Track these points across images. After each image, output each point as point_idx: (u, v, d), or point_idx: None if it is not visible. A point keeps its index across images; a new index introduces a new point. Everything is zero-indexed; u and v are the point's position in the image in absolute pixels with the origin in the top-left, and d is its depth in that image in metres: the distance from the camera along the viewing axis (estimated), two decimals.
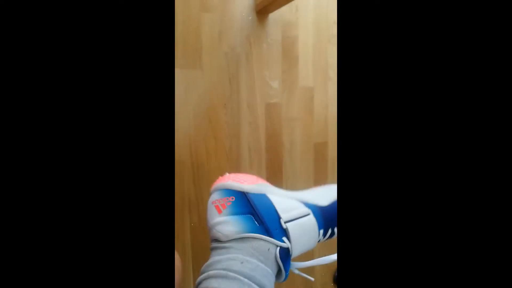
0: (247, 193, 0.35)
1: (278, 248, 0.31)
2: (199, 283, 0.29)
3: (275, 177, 0.93)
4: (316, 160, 1.00)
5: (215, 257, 0.31)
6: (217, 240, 0.33)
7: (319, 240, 0.36)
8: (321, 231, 0.35)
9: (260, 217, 0.33)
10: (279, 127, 0.93)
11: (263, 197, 0.35)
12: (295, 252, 0.33)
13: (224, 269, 0.28)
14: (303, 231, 0.34)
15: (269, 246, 0.31)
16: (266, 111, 0.90)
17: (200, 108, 0.82)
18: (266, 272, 0.30)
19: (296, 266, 0.35)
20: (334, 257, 0.32)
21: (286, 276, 0.33)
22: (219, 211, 0.34)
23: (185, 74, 0.80)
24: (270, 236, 0.31)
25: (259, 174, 0.91)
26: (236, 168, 0.88)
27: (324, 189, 0.40)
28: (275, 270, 0.32)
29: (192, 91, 0.81)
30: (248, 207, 0.34)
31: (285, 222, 0.33)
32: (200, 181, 0.83)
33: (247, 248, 0.31)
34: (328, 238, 0.37)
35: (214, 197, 0.36)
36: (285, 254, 0.32)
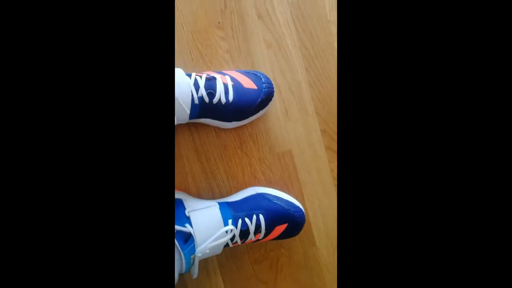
0: None
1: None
2: None
3: None
4: None
5: None
6: None
7: (231, 231, 0.45)
8: (230, 220, 0.46)
9: None
10: (324, 44, 0.55)
11: (177, 200, 0.47)
12: (199, 237, 0.43)
13: None
14: (207, 216, 0.45)
15: None
16: (294, 17, 0.55)
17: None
18: None
19: (199, 251, 0.43)
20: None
21: (187, 263, 0.42)
22: None
23: None
24: None
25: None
26: None
27: (241, 191, 0.52)
28: (178, 259, 0.42)
29: None
30: None
31: (189, 212, 0.45)
32: None
33: None
34: (248, 232, 0.46)
35: None
36: (184, 238, 0.42)
